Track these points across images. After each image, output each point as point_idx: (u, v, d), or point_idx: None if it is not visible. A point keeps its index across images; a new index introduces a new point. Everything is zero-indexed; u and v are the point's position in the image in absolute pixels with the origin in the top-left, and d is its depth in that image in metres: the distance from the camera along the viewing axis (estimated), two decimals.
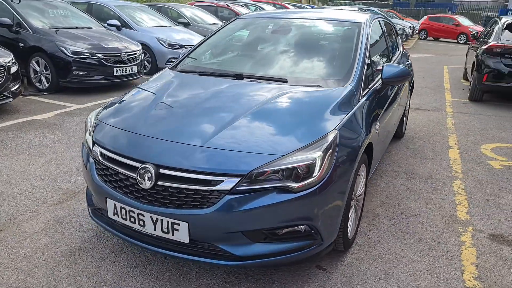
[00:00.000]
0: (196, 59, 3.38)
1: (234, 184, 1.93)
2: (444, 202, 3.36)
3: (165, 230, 2.05)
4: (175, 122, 2.31)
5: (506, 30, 6.76)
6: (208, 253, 2.07)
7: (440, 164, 4.18)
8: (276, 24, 3.61)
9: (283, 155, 2.00)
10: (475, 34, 8.82)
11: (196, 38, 9.50)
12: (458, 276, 2.41)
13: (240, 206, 1.93)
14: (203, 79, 2.95)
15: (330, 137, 2.15)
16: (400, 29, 17.72)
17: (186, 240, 2.03)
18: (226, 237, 2.01)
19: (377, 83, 3.02)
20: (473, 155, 4.49)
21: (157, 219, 2.05)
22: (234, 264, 2.04)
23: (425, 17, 23.88)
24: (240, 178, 1.94)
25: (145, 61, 8.54)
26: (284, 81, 2.78)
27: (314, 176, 2.00)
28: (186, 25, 10.92)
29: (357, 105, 2.57)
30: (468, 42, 21.21)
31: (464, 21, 22.37)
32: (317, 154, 2.03)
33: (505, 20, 6.98)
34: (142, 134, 2.23)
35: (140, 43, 8.03)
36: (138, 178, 2.05)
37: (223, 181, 1.94)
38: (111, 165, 2.19)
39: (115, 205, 2.18)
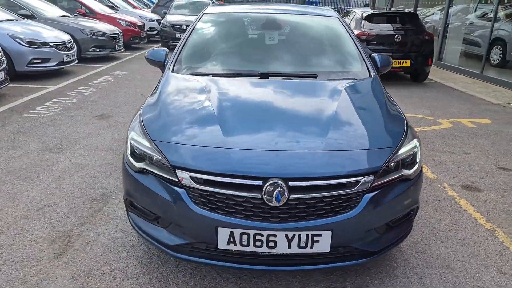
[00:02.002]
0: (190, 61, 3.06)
1: (371, 182, 1.96)
2: None
3: (303, 245, 1.92)
4: (273, 130, 2.13)
5: (365, 21, 8.11)
6: (343, 256, 2.04)
7: None
8: (259, 19, 3.51)
9: (396, 147, 2.11)
10: None
11: (56, 33, 8.08)
12: (476, 223, 3.00)
13: (378, 203, 1.98)
14: (239, 81, 2.74)
15: (408, 124, 2.36)
16: None
17: (327, 249, 1.95)
18: (362, 236, 2.02)
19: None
20: None
21: (293, 235, 1.90)
22: (367, 260, 2.08)
23: None
24: (374, 175, 1.97)
25: None
26: (314, 76, 2.83)
27: (418, 162, 2.19)
28: (30, 17, 9.14)
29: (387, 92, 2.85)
30: None
31: None
32: (415, 141, 2.22)
33: (360, 12, 8.34)
34: (248, 149, 1.98)
35: None
36: (266, 196, 1.85)
37: (359, 181, 1.94)
38: (219, 190, 1.89)
39: (231, 233, 1.90)
